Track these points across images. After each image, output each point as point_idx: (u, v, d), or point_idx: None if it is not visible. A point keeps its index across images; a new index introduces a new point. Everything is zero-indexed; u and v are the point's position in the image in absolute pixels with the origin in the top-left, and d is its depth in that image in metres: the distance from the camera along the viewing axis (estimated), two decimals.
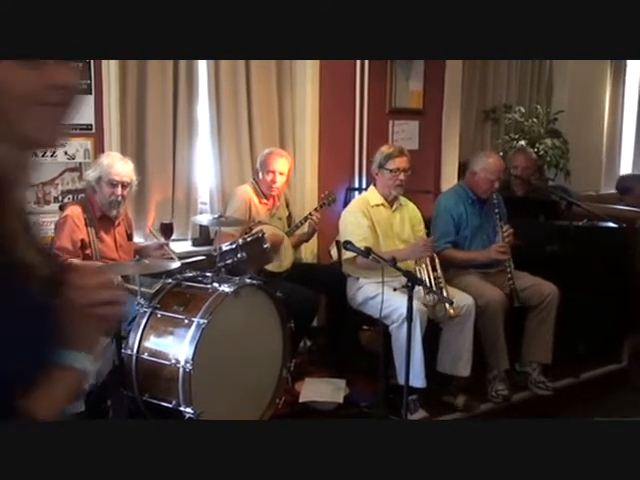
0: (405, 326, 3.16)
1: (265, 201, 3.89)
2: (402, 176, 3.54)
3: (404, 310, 3.15)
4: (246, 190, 3.86)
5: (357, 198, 3.74)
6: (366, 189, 4.65)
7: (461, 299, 3.37)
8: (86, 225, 3.26)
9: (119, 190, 3.27)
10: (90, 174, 3.29)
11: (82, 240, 3.23)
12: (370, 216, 3.55)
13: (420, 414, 3.30)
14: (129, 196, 3.43)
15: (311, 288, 3.71)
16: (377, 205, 3.60)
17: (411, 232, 3.65)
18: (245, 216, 3.74)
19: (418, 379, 3.19)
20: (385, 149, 3.62)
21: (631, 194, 5.68)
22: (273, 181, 3.83)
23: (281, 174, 3.85)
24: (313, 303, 3.74)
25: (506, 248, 3.63)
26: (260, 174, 3.86)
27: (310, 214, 4.00)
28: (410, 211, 3.73)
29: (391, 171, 3.54)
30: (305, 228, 4.07)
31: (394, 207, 3.64)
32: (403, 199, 3.70)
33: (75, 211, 3.26)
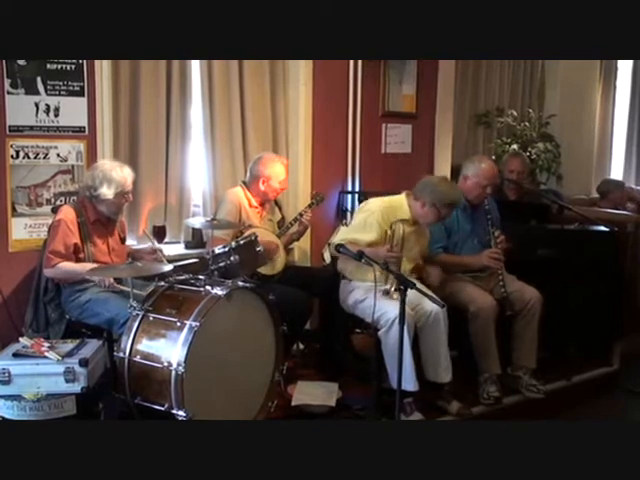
0: (393, 330, 3.17)
1: (255, 204, 3.88)
2: (437, 220, 3.46)
3: (391, 315, 3.16)
4: (237, 194, 3.84)
5: (388, 200, 3.48)
6: (359, 193, 4.67)
7: (427, 303, 3.23)
8: (79, 229, 3.25)
9: (130, 196, 3.38)
10: (105, 192, 3.22)
11: (75, 244, 3.23)
12: (388, 227, 3.36)
13: (416, 417, 3.30)
14: None
15: (303, 291, 3.71)
16: (402, 220, 3.40)
17: (419, 251, 3.55)
18: (236, 220, 3.74)
19: (409, 383, 3.18)
20: (448, 191, 3.36)
21: (605, 198, 5.77)
22: (283, 189, 3.91)
23: (286, 180, 3.90)
24: (306, 306, 3.74)
25: (499, 254, 3.63)
26: (266, 181, 3.82)
27: (300, 214, 3.99)
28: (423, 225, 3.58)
29: (436, 215, 3.40)
30: (296, 228, 4.05)
31: (414, 226, 3.48)
32: None
33: (69, 215, 3.25)
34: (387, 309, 3.18)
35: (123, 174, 3.29)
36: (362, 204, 3.59)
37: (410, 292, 2.80)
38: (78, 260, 3.24)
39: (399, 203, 3.47)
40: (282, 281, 3.73)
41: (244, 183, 3.91)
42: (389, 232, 3.34)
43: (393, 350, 3.16)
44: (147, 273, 3.11)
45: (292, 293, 3.60)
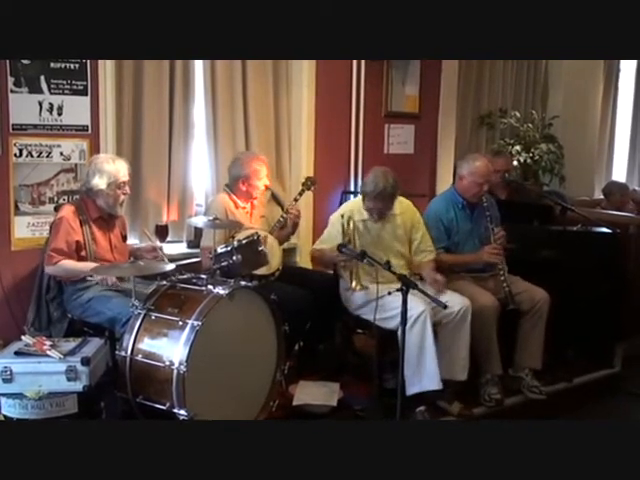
0: (416, 329, 3.20)
1: (243, 205, 3.85)
2: (376, 215, 3.51)
3: (414, 312, 3.16)
4: (221, 200, 3.79)
5: (346, 206, 3.64)
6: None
7: (457, 301, 3.36)
8: (81, 227, 3.26)
9: (127, 189, 3.35)
10: (98, 182, 3.24)
11: (77, 242, 3.23)
12: (353, 229, 3.48)
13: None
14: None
15: (304, 290, 3.68)
16: (363, 220, 3.54)
17: (405, 242, 3.59)
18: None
19: (433, 381, 3.22)
20: (367, 182, 3.46)
21: (607, 199, 5.77)
22: (267, 186, 3.85)
23: (267, 177, 3.85)
24: (307, 304, 3.70)
25: (498, 250, 3.63)
26: (246, 181, 3.76)
27: (287, 210, 3.88)
28: (404, 215, 3.63)
29: (367, 209, 3.51)
30: (288, 222, 3.98)
31: (381, 222, 3.55)
32: (397, 204, 3.59)
33: (70, 213, 3.26)
34: (409, 306, 3.12)
35: (115, 165, 3.29)
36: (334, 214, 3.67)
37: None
38: (80, 258, 3.24)
39: (357, 205, 3.61)
40: (282, 281, 3.70)
41: (227, 186, 3.86)
42: (347, 228, 3.49)
43: (413, 349, 3.20)
44: (149, 272, 3.12)
45: (293, 292, 3.58)
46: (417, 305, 3.18)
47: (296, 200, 3.93)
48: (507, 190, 4.64)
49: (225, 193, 3.84)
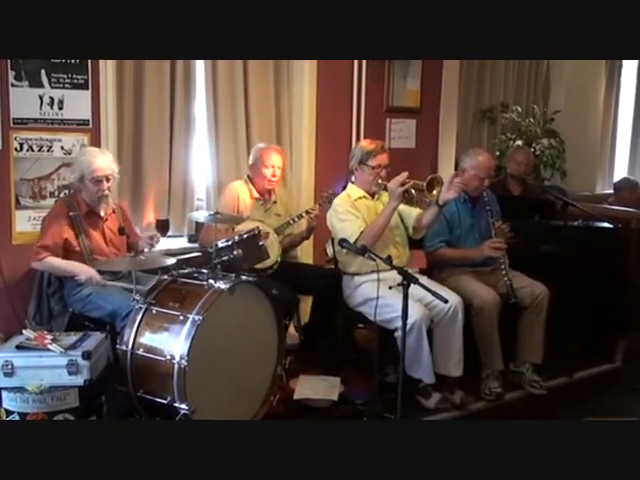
0: (412, 336, 3.18)
1: (257, 196, 3.87)
2: (383, 173, 3.53)
3: (412, 319, 3.10)
4: (235, 187, 3.83)
5: (339, 198, 3.63)
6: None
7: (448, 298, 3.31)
8: (71, 223, 3.23)
9: (104, 185, 3.22)
10: (70, 174, 3.27)
11: (66, 239, 3.21)
12: (357, 208, 3.53)
13: (436, 397, 3.39)
14: (116, 189, 3.45)
15: (295, 287, 3.68)
16: (359, 198, 3.57)
17: (397, 219, 3.59)
18: (233, 213, 3.72)
19: (428, 376, 3.30)
20: (366, 145, 3.58)
21: (616, 195, 5.76)
22: (273, 175, 3.83)
23: (279, 168, 3.85)
24: (292, 302, 3.69)
25: (499, 244, 3.63)
26: (255, 169, 3.84)
27: (307, 211, 3.87)
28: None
29: (373, 168, 3.52)
30: (302, 226, 4.01)
31: (376, 198, 3.63)
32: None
33: (59, 209, 3.25)
34: (408, 312, 3.13)
35: (88, 157, 3.22)
36: (329, 218, 3.60)
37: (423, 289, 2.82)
38: (73, 254, 3.23)
39: (349, 189, 3.62)
40: (279, 275, 3.67)
41: (248, 177, 3.92)
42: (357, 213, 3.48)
43: (411, 352, 3.21)
44: (150, 266, 3.12)
45: (279, 288, 3.51)
46: (412, 313, 3.08)
47: (320, 205, 3.88)
48: (522, 187, 4.61)
49: (243, 180, 3.88)
